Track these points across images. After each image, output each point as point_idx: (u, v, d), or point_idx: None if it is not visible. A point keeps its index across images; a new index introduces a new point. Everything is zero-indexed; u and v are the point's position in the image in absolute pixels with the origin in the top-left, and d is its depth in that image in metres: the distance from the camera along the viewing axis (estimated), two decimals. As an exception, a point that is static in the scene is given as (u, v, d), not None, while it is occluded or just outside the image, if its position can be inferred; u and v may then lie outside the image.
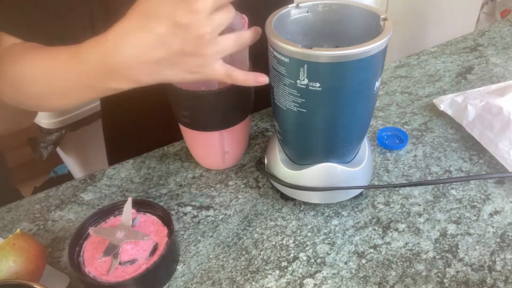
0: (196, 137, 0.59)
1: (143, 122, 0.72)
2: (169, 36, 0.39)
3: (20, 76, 0.48)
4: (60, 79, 0.46)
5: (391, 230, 0.53)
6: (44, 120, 0.93)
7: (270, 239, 0.52)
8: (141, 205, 0.52)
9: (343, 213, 0.55)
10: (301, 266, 0.49)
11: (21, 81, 0.48)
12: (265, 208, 0.56)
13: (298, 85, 0.43)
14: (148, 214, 0.52)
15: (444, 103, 0.70)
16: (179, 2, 0.38)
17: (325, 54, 0.40)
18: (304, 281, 0.47)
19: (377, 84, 0.46)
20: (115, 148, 0.83)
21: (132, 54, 0.40)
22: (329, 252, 0.50)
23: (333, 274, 0.48)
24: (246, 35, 0.44)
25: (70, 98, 0.49)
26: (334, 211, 0.55)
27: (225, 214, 0.56)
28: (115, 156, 0.79)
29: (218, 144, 0.58)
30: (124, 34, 0.40)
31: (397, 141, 0.67)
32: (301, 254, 0.50)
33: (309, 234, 0.53)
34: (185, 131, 0.59)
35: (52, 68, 0.46)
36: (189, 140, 0.61)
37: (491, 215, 0.54)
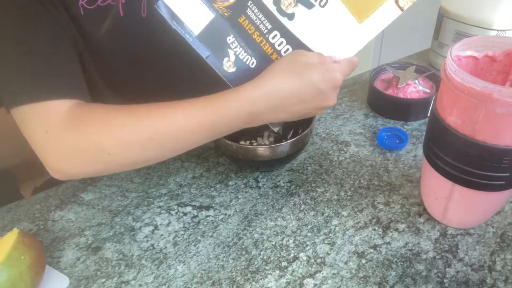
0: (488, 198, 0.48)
1: None
2: (311, 98, 0.48)
3: (161, 133, 0.46)
4: (196, 132, 0.47)
5: (391, 230, 0.53)
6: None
7: (270, 239, 0.52)
8: None
9: (343, 213, 0.55)
10: (301, 266, 0.49)
11: (163, 138, 0.46)
12: (265, 208, 0.56)
13: None
14: None
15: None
16: (326, 73, 0.47)
17: None
18: (304, 281, 0.47)
19: None
20: None
21: (275, 105, 0.47)
22: (329, 252, 0.50)
23: (333, 274, 0.48)
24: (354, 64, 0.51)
25: (196, 145, 0.50)
26: (334, 211, 0.55)
27: (225, 214, 0.56)
28: None
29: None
30: (275, 87, 0.47)
31: (397, 141, 0.67)
32: (301, 254, 0.50)
33: (309, 234, 0.53)
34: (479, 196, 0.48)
35: (188, 124, 0.46)
36: (472, 202, 0.49)
37: (491, 215, 0.54)
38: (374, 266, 0.48)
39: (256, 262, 0.49)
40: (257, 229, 0.53)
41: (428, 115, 0.70)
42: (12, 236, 0.44)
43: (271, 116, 0.48)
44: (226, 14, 0.48)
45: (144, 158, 0.48)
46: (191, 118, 0.46)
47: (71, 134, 0.45)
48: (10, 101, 0.46)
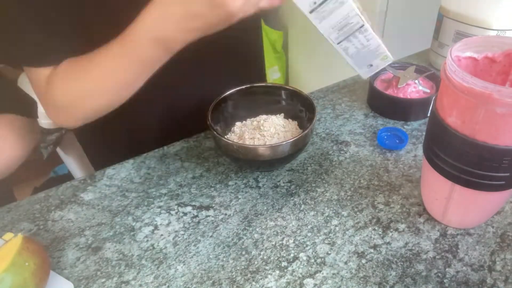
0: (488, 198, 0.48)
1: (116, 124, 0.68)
2: (205, 11, 0.45)
3: (101, 79, 0.54)
4: (125, 69, 0.52)
5: (391, 230, 0.53)
6: (44, 120, 0.93)
7: (270, 239, 0.52)
8: None
9: (343, 213, 0.55)
10: (301, 266, 0.49)
11: (104, 83, 0.54)
12: (265, 208, 0.56)
13: None
14: None
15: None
16: None
17: None
18: (304, 281, 0.47)
19: None
20: (96, 153, 0.83)
21: (174, 25, 0.47)
22: (329, 252, 0.50)
23: (333, 274, 0.48)
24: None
25: (135, 84, 0.55)
26: (334, 211, 0.55)
27: (225, 214, 0.56)
28: (97, 161, 0.79)
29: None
30: (166, 9, 0.47)
31: (397, 141, 0.67)
32: (301, 254, 0.50)
33: (309, 234, 0.53)
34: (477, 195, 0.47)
35: (115, 64, 0.52)
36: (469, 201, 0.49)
37: (491, 215, 0.54)
38: (374, 266, 0.48)
39: (256, 262, 0.49)
40: (257, 229, 0.53)
41: (428, 115, 0.70)
42: (16, 242, 0.43)
43: (177, 35, 0.48)
44: None
45: (101, 103, 0.56)
46: (116, 57, 0.52)
47: (47, 93, 0.57)
48: (17, 61, 0.60)
